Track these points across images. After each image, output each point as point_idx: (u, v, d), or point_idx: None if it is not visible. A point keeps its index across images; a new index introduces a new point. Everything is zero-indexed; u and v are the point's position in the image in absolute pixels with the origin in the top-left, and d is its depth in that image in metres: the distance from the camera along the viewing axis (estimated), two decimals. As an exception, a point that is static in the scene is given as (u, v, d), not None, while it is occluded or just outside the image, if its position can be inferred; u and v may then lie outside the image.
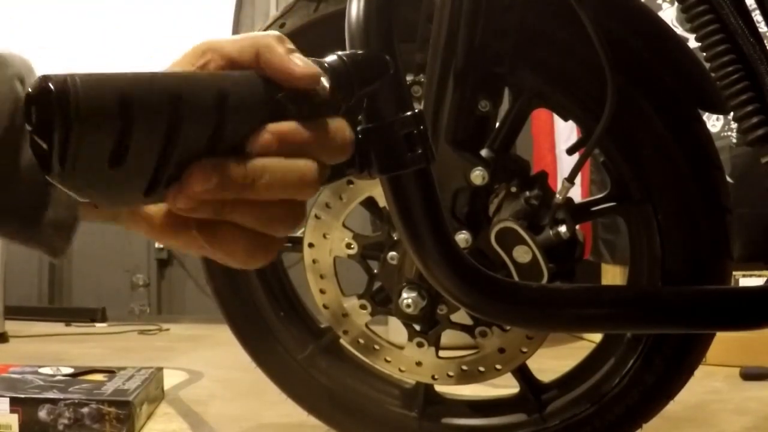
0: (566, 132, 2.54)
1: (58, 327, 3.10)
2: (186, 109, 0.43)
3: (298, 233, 1.24)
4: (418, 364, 1.19)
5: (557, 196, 1.04)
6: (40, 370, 1.61)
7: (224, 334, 1.37)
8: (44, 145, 0.41)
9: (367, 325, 1.22)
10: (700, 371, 1.14)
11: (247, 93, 0.46)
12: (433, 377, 1.20)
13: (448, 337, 1.17)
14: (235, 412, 1.68)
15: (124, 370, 1.63)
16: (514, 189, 1.05)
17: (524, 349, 1.15)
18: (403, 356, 1.20)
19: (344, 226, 1.19)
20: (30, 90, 0.41)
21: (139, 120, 0.41)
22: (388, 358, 1.21)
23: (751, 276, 2.06)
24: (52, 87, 0.40)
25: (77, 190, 0.43)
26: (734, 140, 2.14)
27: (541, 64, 1.08)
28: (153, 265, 3.47)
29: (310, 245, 1.20)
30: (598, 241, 2.53)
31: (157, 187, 0.44)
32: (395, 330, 1.33)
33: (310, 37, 1.16)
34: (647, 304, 0.96)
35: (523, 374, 1.20)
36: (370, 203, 1.17)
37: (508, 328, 1.14)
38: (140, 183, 0.44)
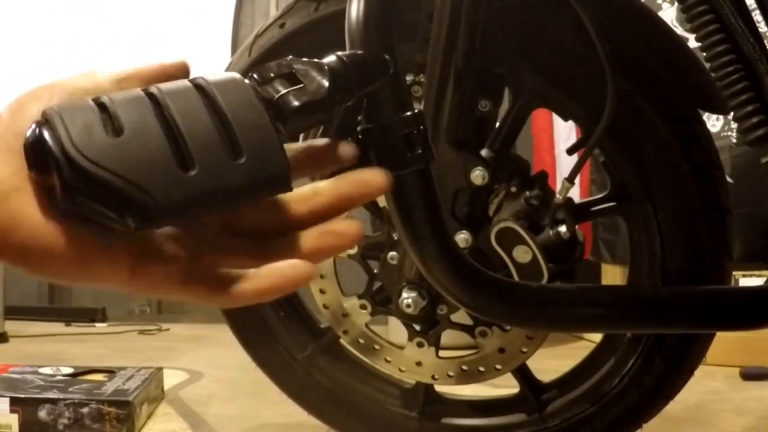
0: (566, 132, 2.54)
1: (58, 327, 3.10)
2: None
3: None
4: (418, 364, 1.19)
5: (557, 196, 1.04)
6: (40, 370, 1.61)
7: (224, 334, 1.37)
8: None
9: (367, 325, 1.22)
10: (700, 371, 1.14)
11: None
12: (433, 377, 1.20)
13: (448, 337, 1.17)
14: (235, 412, 1.67)
15: (124, 370, 1.63)
16: (514, 189, 1.05)
17: (524, 349, 1.15)
18: (403, 356, 1.20)
19: (344, 226, 1.18)
20: (26, 137, 0.43)
21: None
22: (388, 358, 1.21)
23: (751, 276, 2.06)
24: (46, 140, 0.42)
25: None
26: (734, 140, 2.14)
27: (541, 64, 1.08)
28: (153, 264, 3.46)
29: (310, 245, 1.19)
30: (598, 241, 2.53)
31: None
32: (395, 330, 1.33)
33: (310, 37, 1.16)
34: (647, 304, 0.95)
35: (523, 374, 1.20)
36: (370, 203, 1.17)
37: (508, 328, 1.14)
38: None
